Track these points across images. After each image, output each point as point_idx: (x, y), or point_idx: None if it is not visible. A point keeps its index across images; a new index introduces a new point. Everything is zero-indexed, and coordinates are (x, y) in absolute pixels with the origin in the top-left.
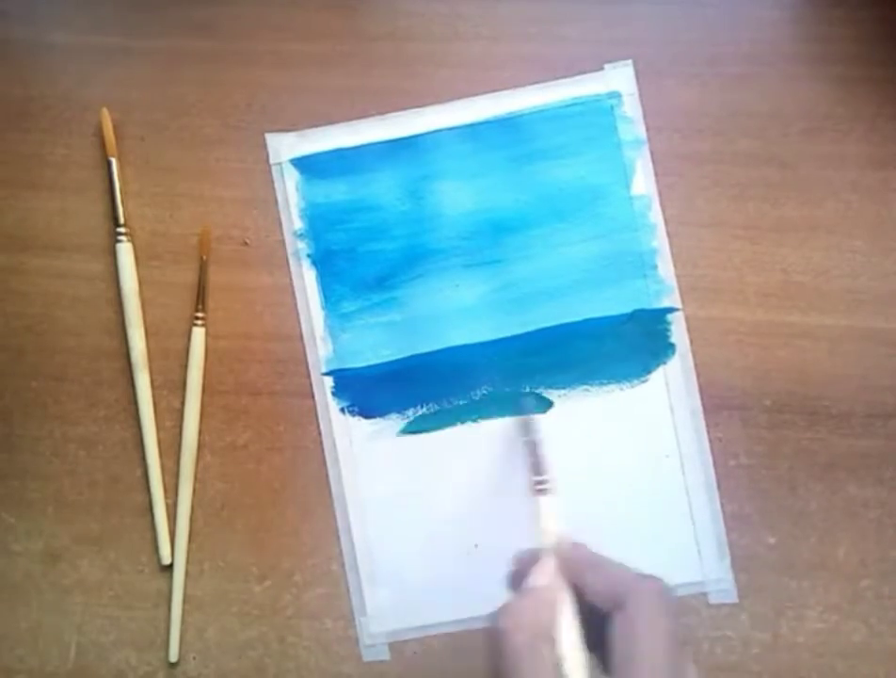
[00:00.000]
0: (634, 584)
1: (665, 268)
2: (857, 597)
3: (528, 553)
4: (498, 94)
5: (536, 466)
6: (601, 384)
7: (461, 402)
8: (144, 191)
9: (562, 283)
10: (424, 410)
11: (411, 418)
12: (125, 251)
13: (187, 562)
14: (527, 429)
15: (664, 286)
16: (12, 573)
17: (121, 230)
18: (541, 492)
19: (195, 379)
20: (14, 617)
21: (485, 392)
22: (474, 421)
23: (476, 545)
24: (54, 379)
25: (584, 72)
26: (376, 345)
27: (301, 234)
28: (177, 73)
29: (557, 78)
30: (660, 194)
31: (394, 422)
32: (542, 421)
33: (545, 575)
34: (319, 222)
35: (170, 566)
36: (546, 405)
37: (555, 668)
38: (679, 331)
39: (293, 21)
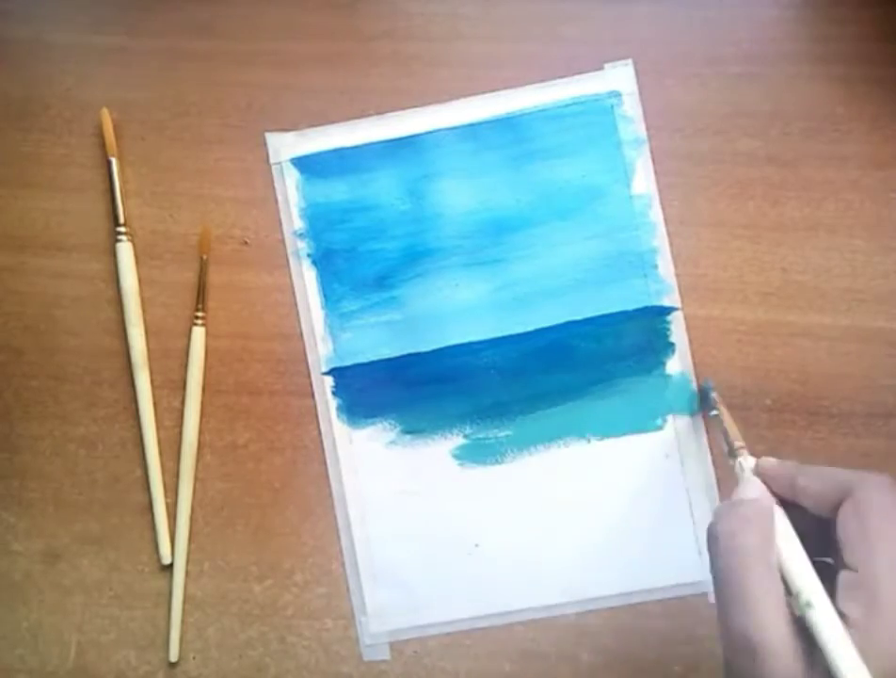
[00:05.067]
0: (858, 475)
1: (665, 268)
2: None
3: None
4: (498, 94)
5: (732, 432)
6: (600, 384)
7: (463, 408)
8: (144, 191)
9: (562, 283)
10: (425, 410)
11: (411, 418)
12: (125, 251)
13: (187, 562)
14: (713, 405)
15: (664, 286)
16: (12, 573)
17: (121, 230)
18: (741, 452)
19: (195, 378)
20: (14, 617)
21: (486, 401)
22: (476, 429)
23: (476, 545)
24: (54, 378)
25: (584, 72)
26: (376, 344)
27: (301, 234)
28: (177, 73)
29: (557, 78)
30: (660, 194)
31: (394, 421)
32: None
33: (756, 490)
34: (319, 222)
35: (170, 566)
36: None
37: (781, 574)
38: (678, 331)
39: (292, 21)
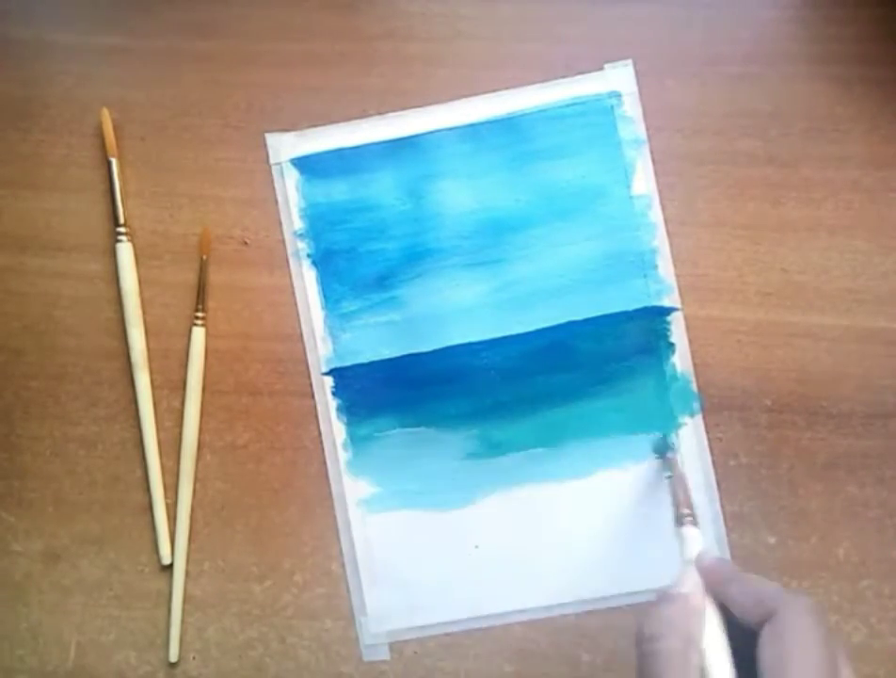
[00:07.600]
0: (784, 595)
1: (665, 268)
2: (857, 597)
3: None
4: (498, 94)
5: (685, 500)
6: (600, 384)
7: (463, 409)
8: (144, 191)
9: (562, 283)
10: (425, 410)
11: (411, 418)
12: (125, 251)
13: (187, 562)
14: (668, 467)
15: (664, 286)
16: (12, 573)
17: (121, 230)
18: (689, 523)
19: (195, 379)
20: (14, 617)
21: (486, 401)
22: (476, 429)
23: (476, 545)
24: (54, 379)
25: (584, 72)
26: (376, 344)
27: (301, 234)
28: (177, 73)
29: (557, 78)
30: (660, 194)
31: (394, 421)
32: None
33: (690, 584)
34: (319, 222)
35: (170, 566)
36: (672, 444)
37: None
38: (678, 331)
39: (293, 21)
